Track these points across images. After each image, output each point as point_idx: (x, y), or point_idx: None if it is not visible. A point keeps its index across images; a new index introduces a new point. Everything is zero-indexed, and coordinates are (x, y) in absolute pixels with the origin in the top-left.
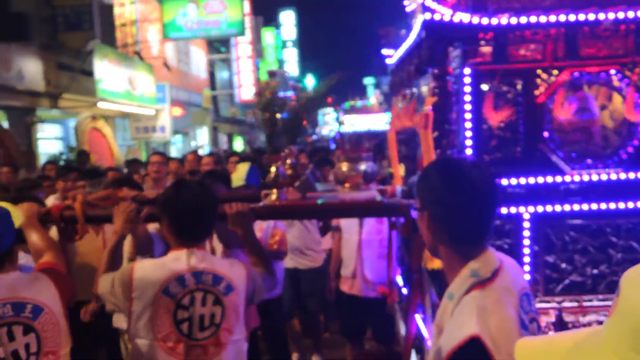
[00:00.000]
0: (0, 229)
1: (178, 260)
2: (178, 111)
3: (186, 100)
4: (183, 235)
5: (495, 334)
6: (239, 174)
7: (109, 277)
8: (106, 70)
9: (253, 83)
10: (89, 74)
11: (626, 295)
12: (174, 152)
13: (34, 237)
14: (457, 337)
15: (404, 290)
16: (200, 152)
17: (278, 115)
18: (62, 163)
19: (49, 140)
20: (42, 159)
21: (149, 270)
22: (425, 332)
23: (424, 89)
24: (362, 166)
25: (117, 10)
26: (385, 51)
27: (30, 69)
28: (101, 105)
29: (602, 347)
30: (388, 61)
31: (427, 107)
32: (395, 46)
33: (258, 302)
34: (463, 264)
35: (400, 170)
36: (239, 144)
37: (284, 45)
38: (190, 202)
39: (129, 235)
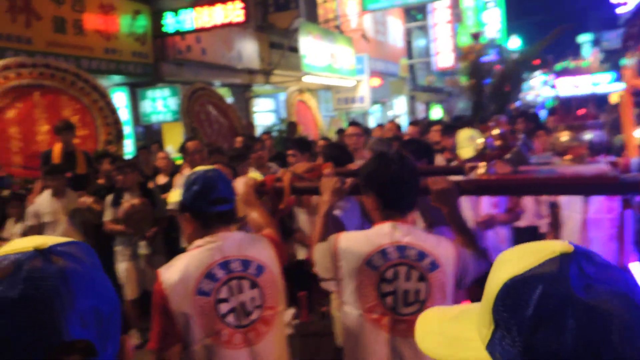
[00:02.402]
0: (229, 190)
1: (382, 233)
2: (376, 81)
3: (383, 70)
4: (387, 209)
5: None
6: (461, 140)
7: (320, 246)
8: (310, 46)
9: (452, 49)
10: (296, 50)
11: (490, 275)
12: (373, 121)
13: (254, 215)
14: None
15: None
16: (397, 121)
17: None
18: (274, 134)
19: (263, 113)
20: (258, 130)
21: (353, 241)
22: None
23: None
24: (587, 135)
25: None
26: None
27: (247, 49)
28: (306, 79)
29: (470, 319)
30: (620, 10)
31: None
32: None
33: (466, 286)
34: None
35: (636, 138)
36: (436, 113)
37: (485, 6)
38: (394, 174)
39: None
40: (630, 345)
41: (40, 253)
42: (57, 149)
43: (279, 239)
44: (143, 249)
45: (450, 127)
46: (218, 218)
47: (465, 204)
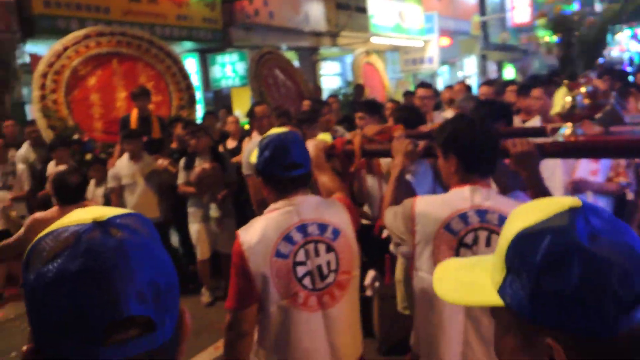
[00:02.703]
0: (303, 154)
1: (461, 197)
2: (446, 41)
3: (453, 29)
4: (468, 172)
5: None
6: (558, 100)
7: (392, 210)
8: (378, 6)
9: (529, 3)
10: (363, 10)
11: (504, 228)
12: (441, 83)
13: (324, 179)
14: None
15: None
16: (467, 82)
17: (577, 34)
18: (340, 97)
19: (330, 76)
20: (325, 94)
21: (430, 205)
22: None
23: None
24: None
25: None
26: None
27: (314, 11)
28: (374, 40)
29: (485, 267)
30: None
31: None
32: None
33: None
34: None
35: None
36: (509, 73)
37: None
38: (477, 136)
39: None
40: (629, 290)
41: (99, 225)
42: (134, 114)
43: (351, 203)
44: (214, 211)
45: (526, 87)
46: (292, 183)
47: (560, 168)
